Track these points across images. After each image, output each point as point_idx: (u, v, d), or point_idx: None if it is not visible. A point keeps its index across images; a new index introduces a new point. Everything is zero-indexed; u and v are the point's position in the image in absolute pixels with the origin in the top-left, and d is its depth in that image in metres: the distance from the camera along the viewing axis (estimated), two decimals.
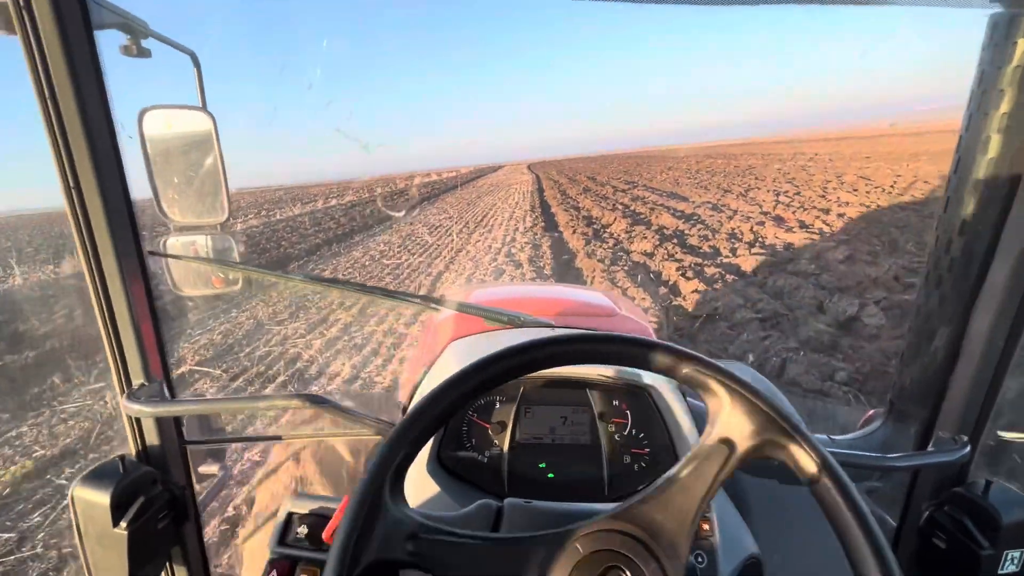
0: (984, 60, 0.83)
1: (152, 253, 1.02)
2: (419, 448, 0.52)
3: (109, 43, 1.12)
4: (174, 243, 1.41)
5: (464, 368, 0.53)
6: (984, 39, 0.83)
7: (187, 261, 1.36)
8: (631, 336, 0.55)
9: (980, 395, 0.93)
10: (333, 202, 30.66)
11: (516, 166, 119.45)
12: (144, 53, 1.14)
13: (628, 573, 0.50)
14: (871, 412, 1.19)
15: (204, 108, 1.32)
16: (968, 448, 0.90)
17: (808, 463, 0.50)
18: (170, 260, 1.33)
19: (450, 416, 0.53)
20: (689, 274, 7.41)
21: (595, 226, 13.06)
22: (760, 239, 9.70)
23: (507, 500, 0.63)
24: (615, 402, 0.91)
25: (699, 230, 11.03)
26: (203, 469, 1.24)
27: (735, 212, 13.25)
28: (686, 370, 0.54)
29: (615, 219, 13.46)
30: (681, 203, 15.89)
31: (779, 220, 11.46)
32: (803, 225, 10.48)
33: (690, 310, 6.16)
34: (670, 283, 7.31)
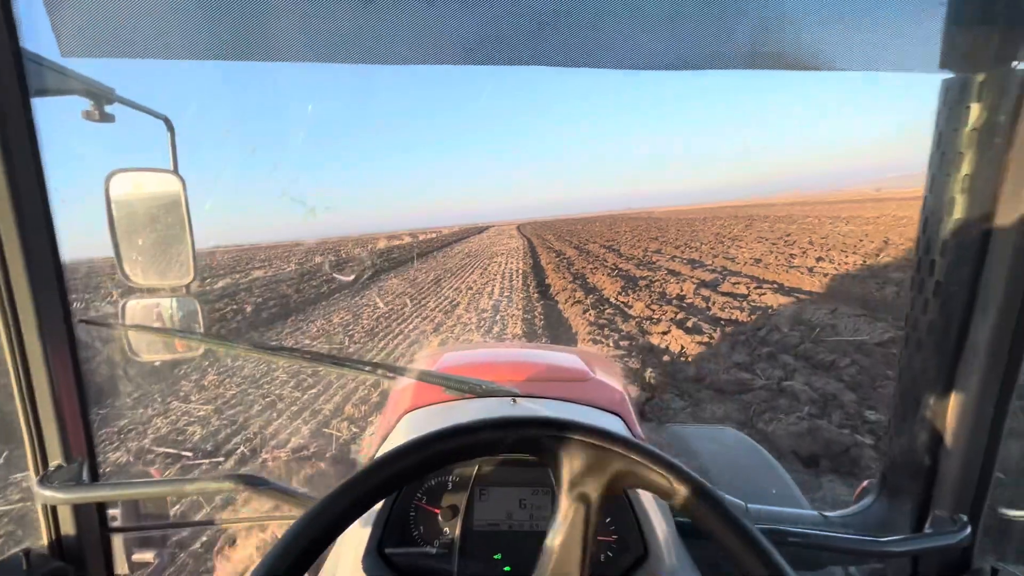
0: (940, 123, 0.83)
1: (84, 321, 0.96)
2: (330, 540, 0.46)
3: (73, 108, 1.11)
4: (135, 305, 1.36)
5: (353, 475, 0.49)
6: (938, 103, 0.84)
7: (141, 327, 1.30)
8: (456, 427, 0.51)
9: (975, 468, 0.87)
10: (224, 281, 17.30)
11: (503, 227, 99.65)
12: (107, 118, 1.14)
13: None
14: (865, 483, 1.11)
15: (175, 171, 1.31)
16: (968, 529, 0.82)
17: (661, 481, 0.46)
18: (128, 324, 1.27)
19: (364, 510, 0.47)
20: None
21: None
22: None
23: None
24: None
25: None
26: (137, 557, 1.11)
27: None
28: (512, 438, 0.50)
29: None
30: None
31: None
32: None
33: None
34: None
